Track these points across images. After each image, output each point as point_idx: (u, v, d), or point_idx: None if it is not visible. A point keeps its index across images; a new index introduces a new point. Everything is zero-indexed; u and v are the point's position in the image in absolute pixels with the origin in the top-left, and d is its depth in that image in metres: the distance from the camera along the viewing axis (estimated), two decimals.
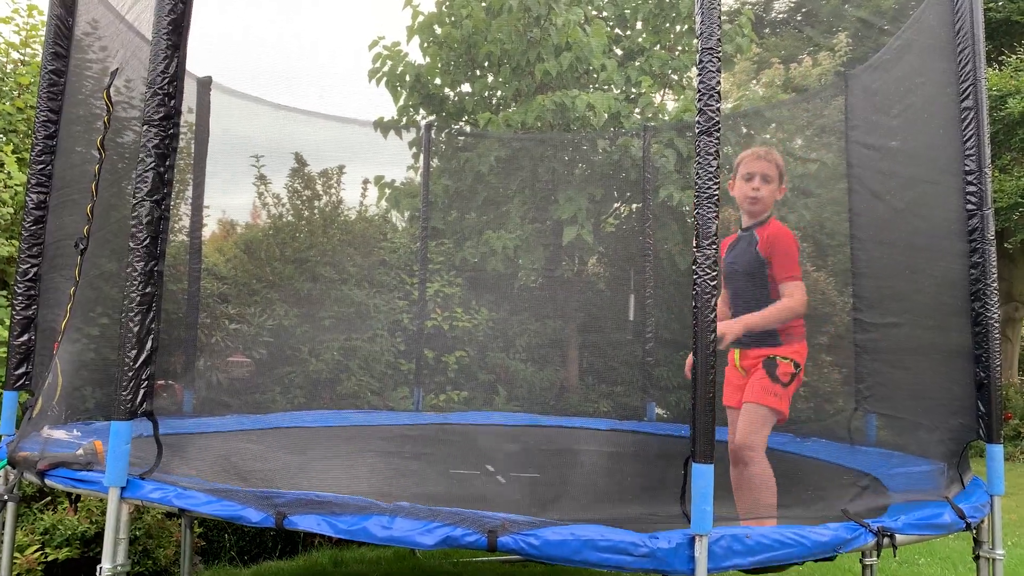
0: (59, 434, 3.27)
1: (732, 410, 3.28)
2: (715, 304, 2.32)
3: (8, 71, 5.62)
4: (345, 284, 6.91)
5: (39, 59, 5.66)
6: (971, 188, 3.23)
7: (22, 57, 5.73)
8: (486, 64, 7.42)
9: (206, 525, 4.72)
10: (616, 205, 8.11)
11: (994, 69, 10.47)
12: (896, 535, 2.59)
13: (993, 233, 3.21)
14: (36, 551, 3.94)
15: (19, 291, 3.50)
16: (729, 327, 3.09)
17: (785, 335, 3.20)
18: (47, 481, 2.90)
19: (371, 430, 5.35)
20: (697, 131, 2.38)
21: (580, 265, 8.08)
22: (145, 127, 2.63)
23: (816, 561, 2.56)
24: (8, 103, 5.34)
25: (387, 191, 7.46)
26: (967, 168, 3.25)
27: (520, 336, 7.49)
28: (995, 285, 3.18)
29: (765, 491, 3.01)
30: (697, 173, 2.38)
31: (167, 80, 2.65)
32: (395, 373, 6.84)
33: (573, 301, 7.64)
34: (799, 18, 17.52)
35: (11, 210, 4.88)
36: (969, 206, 3.24)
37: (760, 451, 3.06)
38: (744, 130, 7.14)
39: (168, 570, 4.39)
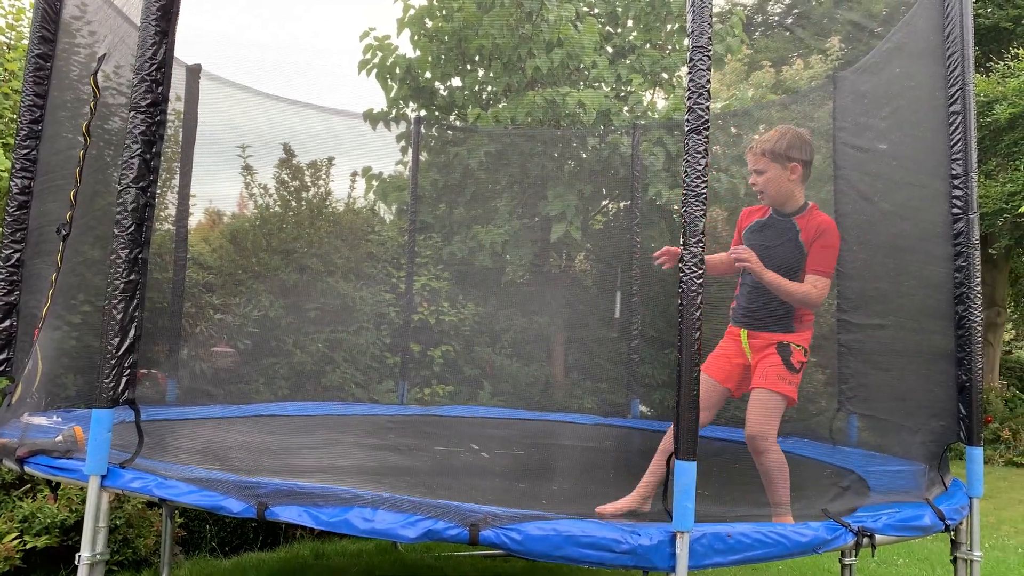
0: (39, 420, 3.24)
1: (707, 379, 3.15)
2: (700, 302, 2.33)
3: None
4: (332, 276, 6.89)
5: (25, 43, 5.62)
6: (957, 192, 3.25)
7: (8, 41, 5.66)
8: (477, 58, 7.41)
9: (187, 515, 4.70)
10: (604, 202, 8.11)
11: (981, 75, 10.55)
12: (876, 535, 2.60)
13: (978, 237, 3.23)
14: (15, 538, 3.91)
15: (1, 277, 3.46)
16: (756, 260, 3.04)
17: (798, 321, 3.14)
18: (26, 468, 2.87)
19: (355, 420, 5.34)
20: (687, 129, 2.38)
21: (567, 262, 8.09)
22: (132, 113, 2.61)
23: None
24: None
25: (375, 184, 7.44)
26: (953, 172, 3.27)
27: (506, 331, 7.49)
28: (979, 289, 3.21)
29: (783, 476, 3.02)
30: (685, 171, 2.38)
31: (155, 66, 2.63)
32: (380, 366, 6.83)
33: (560, 297, 7.64)
34: (790, 20, 17.58)
35: None
36: (955, 210, 3.26)
37: (775, 438, 3.03)
38: (733, 130, 7.16)
39: (148, 560, 4.37)
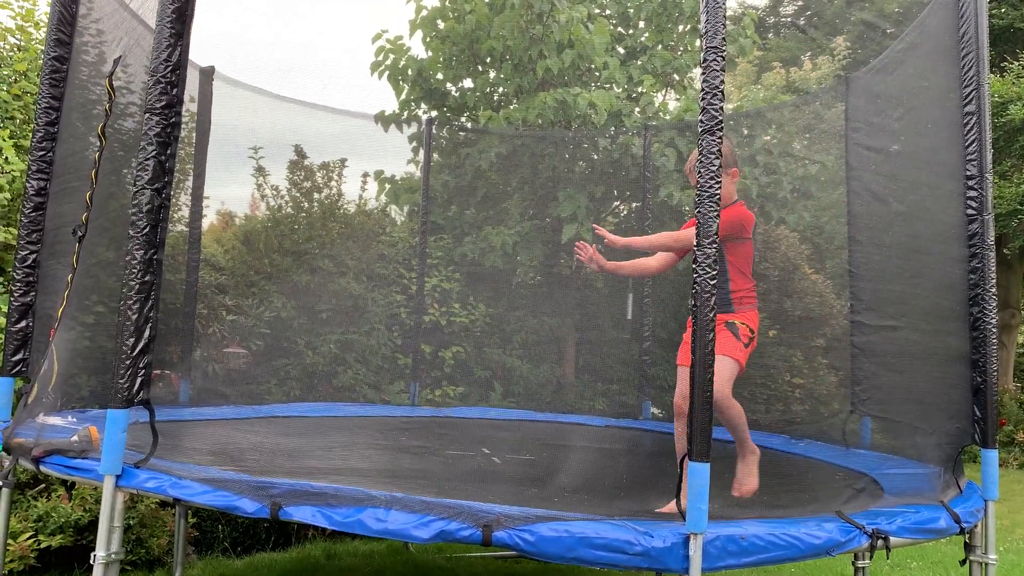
0: (55, 420, 3.26)
1: (683, 368, 3.51)
2: (714, 303, 2.32)
3: (5, 57, 5.58)
4: (343, 277, 6.90)
5: (35, 43, 5.65)
6: (972, 193, 3.24)
7: (19, 42, 5.69)
8: (488, 60, 7.41)
9: (200, 515, 4.72)
10: (616, 204, 8.10)
11: (996, 75, 10.48)
12: (891, 538, 2.59)
13: (993, 238, 3.21)
14: (29, 538, 3.94)
15: (17, 277, 3.48)
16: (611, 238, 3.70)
17: (738, 303, 3.60)
18: (42, 468, 2.89)
19: (367, 422, 5.35)
20: (700, 130, 2.38)
21: (579, 263, 8.07)
22: (147, 115, 2.62)
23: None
24: (5, 90, 5.32)
25: (387, 185, 7.46)
26: (968, 173, 3.25)
27: (517, 333, 7.48)
28: (994, 290, 3.19)
29: (742, 425, 3.52)
30: (699, 172, 2.38)
31: (170, 68, 2.65)
32: (392, 367, 6.84)
33: (571, 299, 7.63)
34: (802, 21, 17.53)
35: (8, 196, 4.86)
36: (969, 211, 3.24)
37: (730, 395, 3.48)
38: (745, 132, 7.14)
39: (161, 560, 4.39)
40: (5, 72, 5.44)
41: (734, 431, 3.55)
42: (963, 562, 3.18)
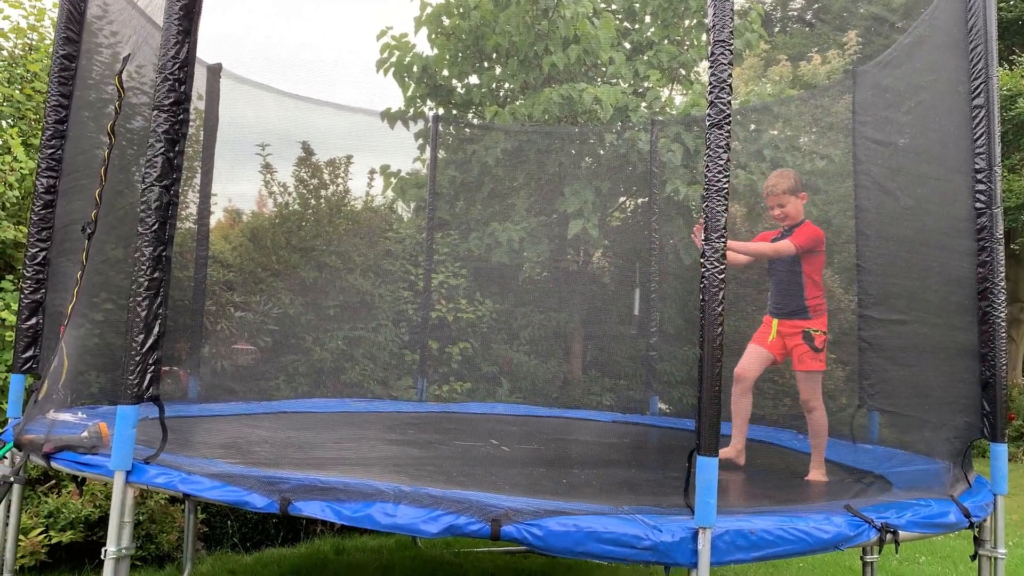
0: (65, 417, 3.28)
1: (754, 346, 4.04)
2: (723, 298, 2.32)
3: (18, 57, 5.60)
4: (350, 274, 6.92)
5: (47, 43, 5.67)
6: (980, 186, 3.22)
7: (30, 42, 5.71)
8: (494, 56, 7.41)
9: (209, 511, 4.73)
10: (622, 199, 8.09)
11: (1004, 69, 10.43)
12: (900, 532, 2.58)
13: (1002, 232, 3.20)
14: (40, 534, 3.96)
15: (27, 275, 3.50)
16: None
17: (813, 311, 3.92)
18: (53, 464, 2.90)
19: (375, 417, 5.37)
20: (708, 123, 2.37)
21: (585, 258, 8.07)
22: (155, 112, 2.63)
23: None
24: (17, 90, 5.34)
25: (393, 181, 7.46)
26: (977, 166, 3.24)
27: (524, 328, 7.48)
28: (1003, 284, 3.17)
29: (824, 432, 3.91)
30: (707, 166, 2.37)
31: (177, 65, 2.65)
32: (399, 363, 6.85)
33: (578, 294, 7.63)
34: (808, 15, 17.46)
35: (17, 194, 4.89)
36: (978, 204, 3.23)
37: (820, 400, 3.91)
38: (752, 126, 7.12)
39: (171, 555, 4.41)
40: (18, 72, 5.46)
41: (815, 436, 3.91)
42: (973, 557, 3.17)
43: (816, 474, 3.82)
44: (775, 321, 4.03)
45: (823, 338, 3.93)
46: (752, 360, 4.02)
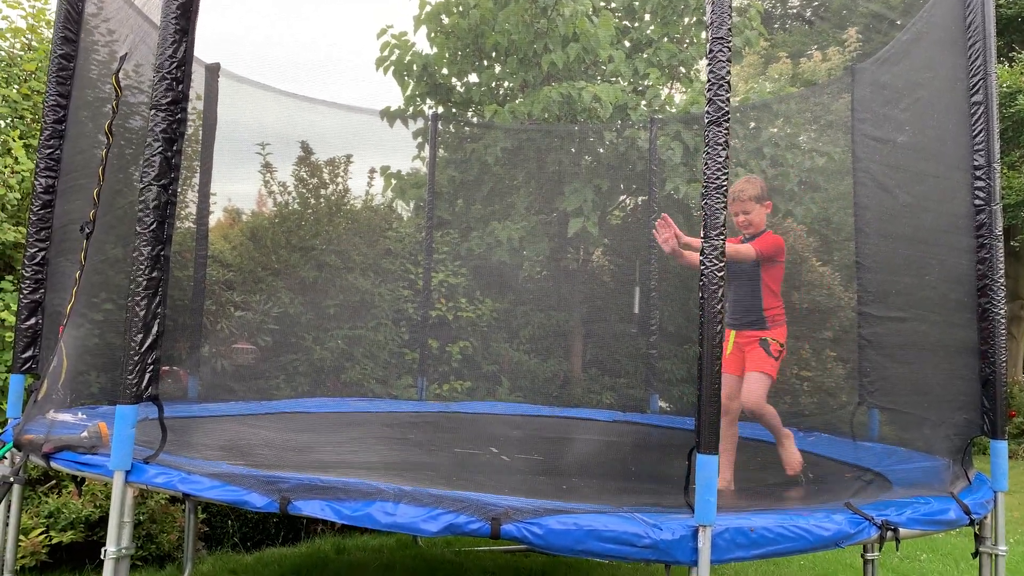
0: (64, 417, 3.28)
1: (727, 375, 3.78)
2: (722, 295, 2.32)
3: (15, 57, 5.60)
4: (350, 273, 6.91)
5: (46, 43, 5.67)
6: (979, 183, 3.22)
7: (29, 42, 5.71)
8: (493, 54, 7.40)
9: (209, 511, 4.73)
10: (622, 197, 8.09)
11: (1003, 65, 10.42)
12: (900, 529, 2.58)
13: (1001, 229, 3.20)
14: (41, 534, 3.96)
15: (27, 275, 3.50)
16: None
17: (771, 322, 3.89)
18: (53, 464, 2.90)
19: (375, 417, 5.37)
20: (706, 121, 2.37)
21: (585, 257, 8.07)
22: (153, 111, 2.63)
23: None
24: (15, 90, 5.34)
25: (393, 181, 7.46)
26: (976, 163, 3.23)
27: (524, 327, 7.48)
28: (1002, 281, 3.17)
29: (777, 423, 3.88)
30: (706, 163, 2.37)
31: (175, 65, 2.65)
32: (399, 362, 6.85)
33: (578, 293, 7.63)
34: (808, 13, 17.45)
35: (18, 195, 4.89)
36: (977, 201, 3.23)
37: (765, 403, 3.82)
38: (752, 124, 7.12)
39: (171, 555, 4.41)
40: (15, 71, 5.46)
41: (772, 430, 3.92)
42: (975, 554, 3.17)
43: (795, 466, 3.85)
44: (732, 333, 3.94)
45: (779, 348, 3.88)
46: (731, 389, 3.87)
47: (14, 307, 4.44)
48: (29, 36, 5.69)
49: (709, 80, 2.38)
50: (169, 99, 2.64)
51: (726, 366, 3.84)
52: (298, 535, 5.10)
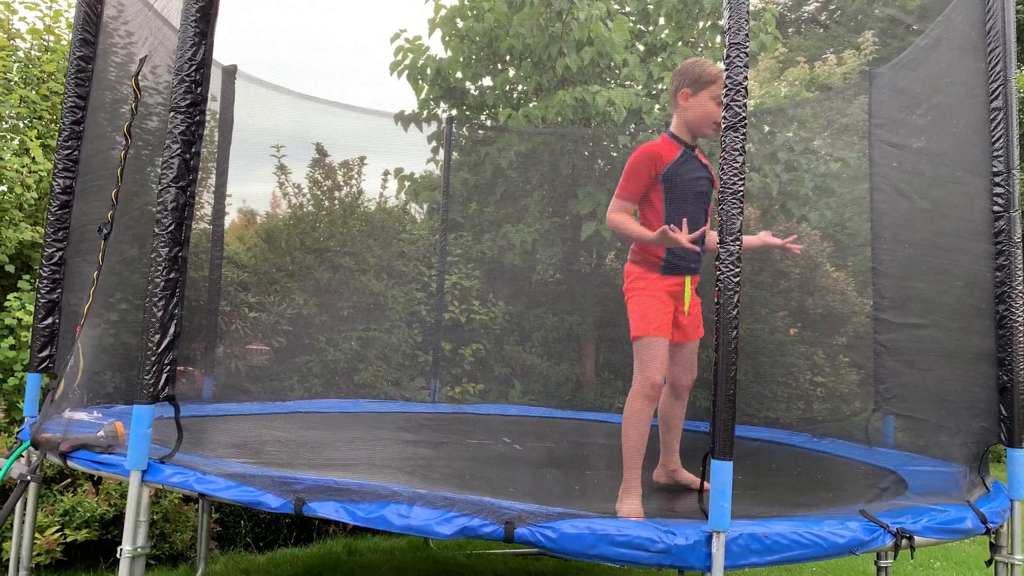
0: (81, 416, 3.31)
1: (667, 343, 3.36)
2: (738, 300, 2.31)
3: (34, 58, 5.65)
4: (364, 275, 6.94)
5: (64, 44, 5.72)
6: (998, 190, 3.20)
7: (47, 43, 5.76)
8: (507, 58, 7.41)
9: (222, 511, 4.76)
10: None
11: (1022, 71, 10.35)
12: (915, 537, 2.56)
13: (1020, 235, 3.18)
14: (56, 532, 3.99)
15: (44, 275, 3.53)
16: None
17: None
18: (69, 463, 2.93)
19: (389, 418, 5.38)
20: (723, 126, 2.37)
21: (598, 260, 8.06)
22: (172, 113, 2.65)
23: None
24: (34, 92, 5.38)
25: (407, 183, 7.48)
26: (994, 169, 3.21)
27: (537, 330, 7.48)
28: (1020, 288, 3.15)
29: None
30: (722, 168, 2.37)
31: (194, 67, 2.67)
32: (412, 364, 6.86)
33: (591, 296, 7.62)
34: (823, 17, 17.38)
35: (35, 195, 4.93)
36: (996, 208, 3.20)
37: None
38: (766, 128, 7.09)
39: (185, 554, 4.44)
40: (35, 72, 5.51)
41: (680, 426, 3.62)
42: (989, 562, 3.14)
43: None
44: (687, 279, 3.34)
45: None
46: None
47: (31, 306, 4.48)
48: (47, 37, 5.74)
49: (726, 85, 2.38)
50: (188, 101, 2.66)
51: (693, 330, 3.48)
52: (310, 536, 5.11)
